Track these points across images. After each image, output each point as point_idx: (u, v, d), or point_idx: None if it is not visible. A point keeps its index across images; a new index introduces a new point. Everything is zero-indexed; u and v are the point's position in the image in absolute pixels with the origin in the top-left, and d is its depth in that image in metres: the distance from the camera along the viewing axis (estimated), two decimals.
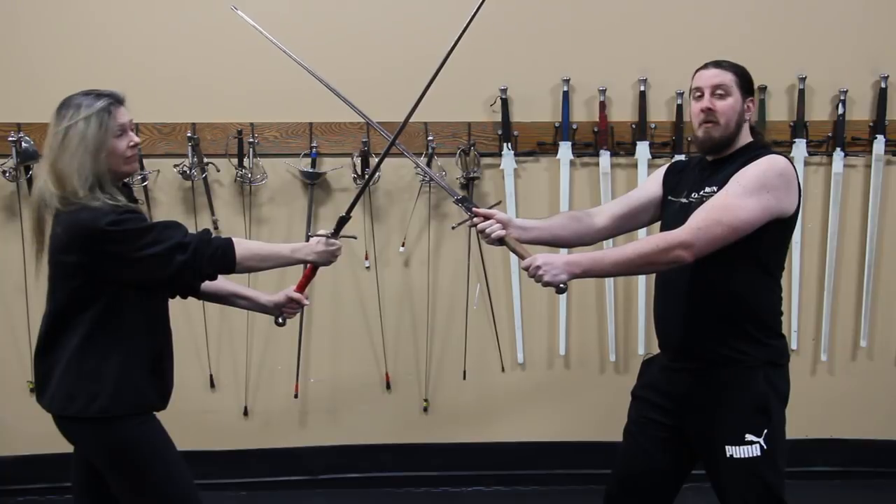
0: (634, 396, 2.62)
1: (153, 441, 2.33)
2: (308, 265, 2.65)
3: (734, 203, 2.30)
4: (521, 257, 2.45)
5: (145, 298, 2.32)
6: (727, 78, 2.42)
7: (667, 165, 2.71)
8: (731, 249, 2.33)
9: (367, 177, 2.83)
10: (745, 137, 2.47)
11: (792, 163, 2.42)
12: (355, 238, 2.89)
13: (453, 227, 2.86)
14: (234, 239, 2.39)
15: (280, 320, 2.70)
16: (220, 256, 2.33)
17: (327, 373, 3.92)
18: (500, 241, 2.54)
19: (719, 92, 2.42)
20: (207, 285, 2.47)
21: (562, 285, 2.34)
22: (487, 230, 2.55)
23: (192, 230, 2.36)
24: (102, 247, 2.20)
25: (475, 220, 2.60)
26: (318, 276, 2.78)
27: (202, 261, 2.29)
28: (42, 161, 2.30)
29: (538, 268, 2.33)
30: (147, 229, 2.26)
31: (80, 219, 2.20)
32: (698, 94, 2.45)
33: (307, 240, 3.67)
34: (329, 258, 2.58)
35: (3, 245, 3.75)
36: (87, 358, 2.26)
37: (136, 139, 2.34)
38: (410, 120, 2.68)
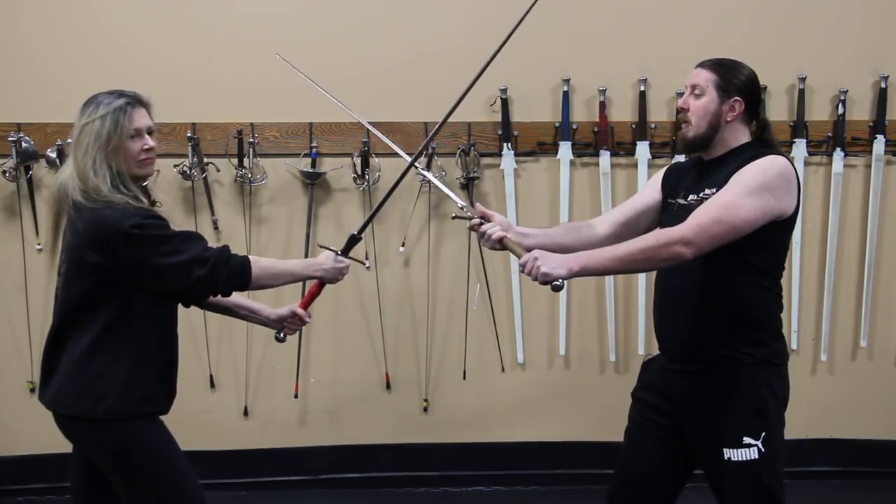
0: (634, 398, 2.62)
1: (158, 442, 2.33)
2: (315, 282, 2.65)
3: (736, 202, 2.29)
4: (519, 256, 2.40)
5: (160, 303, 2.33)
6: (704, 77, 2.41)
7: (665, 168, 2.70)
8: (731, 251, 2.32)
9: (381, 202, 2.76)
10: (739, 137, 2.43)
11: (792, 163, 2.42)
12: (366, 266, 2.84)
13: (453, 217, 2.79)
14: (250, 257, 2.40)
15: (280, 335, 2.70)
16: (238, 274, 2.35)
17: (327, 373, 3.92)
18: (500, 243, 2.51)
19: (696, 92, 2.42)
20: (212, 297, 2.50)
21: (557, 282, 2.29)
22: (488, 231, 2.52)
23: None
24: (122, 248, 2.20)
25: (475, 221, 2.57)
26: None
27: (219, 277, 2.30)
28: (69, 154, 2.33)
29: (535, 258, 2.28)
30: (169, 237, 2.27)
31: (103, 216, 2.21)
32: (684, 91, 2.47)
33: (307, 239, 3.73)
34: (336, 276, 2.59)
35: (3, 245, 3.75)
36: (97, 358, 2.25)
37: (151, 143, 2.35)
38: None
